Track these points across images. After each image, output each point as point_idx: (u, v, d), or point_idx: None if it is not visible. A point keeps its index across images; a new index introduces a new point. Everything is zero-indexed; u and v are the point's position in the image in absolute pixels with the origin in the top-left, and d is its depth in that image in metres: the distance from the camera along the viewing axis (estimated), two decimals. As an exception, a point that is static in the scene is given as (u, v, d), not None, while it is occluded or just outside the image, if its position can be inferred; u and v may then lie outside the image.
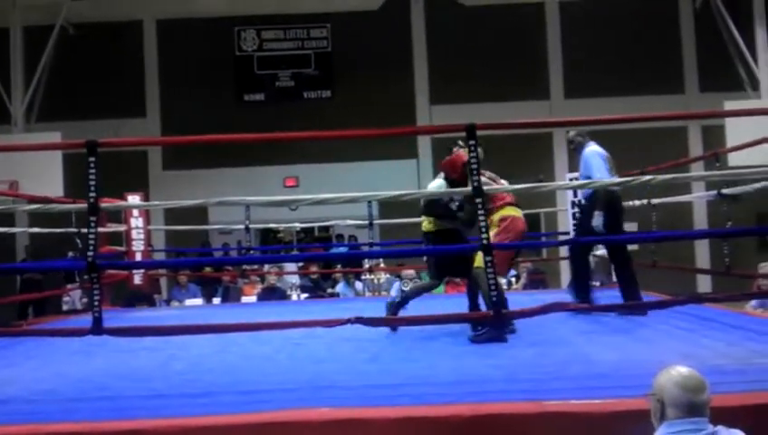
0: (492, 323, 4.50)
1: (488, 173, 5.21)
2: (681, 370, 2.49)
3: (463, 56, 14.53)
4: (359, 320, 3.76)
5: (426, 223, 5.51)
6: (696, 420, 2.39)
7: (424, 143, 14.35)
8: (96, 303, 3.69)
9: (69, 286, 9.60)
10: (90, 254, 3.67)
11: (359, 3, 14.69)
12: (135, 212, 8.06)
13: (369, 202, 8.56)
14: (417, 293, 5.57)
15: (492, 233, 4.56)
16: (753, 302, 6.62)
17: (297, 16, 14.78)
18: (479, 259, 4.61)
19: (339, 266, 10.52)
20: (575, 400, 3.16)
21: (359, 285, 9.72)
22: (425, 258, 8.81)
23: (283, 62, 14.77)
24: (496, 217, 4.99)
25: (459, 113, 12.18)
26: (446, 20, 14.63)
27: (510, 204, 5.13)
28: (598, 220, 5.56)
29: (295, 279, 10.25)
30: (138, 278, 8.33)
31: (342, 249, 11.70)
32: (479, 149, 4.60)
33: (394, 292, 9.10)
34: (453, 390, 3.44)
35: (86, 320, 3.70)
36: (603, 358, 3.80)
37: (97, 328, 3.66)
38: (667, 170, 6.65)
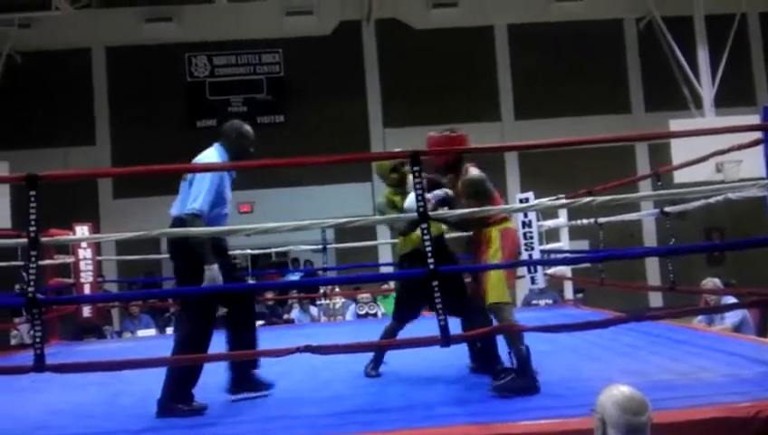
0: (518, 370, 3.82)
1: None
2: (623, 389, 2.52)
3: (415, 79, 14.68)
4: (308, 348, 3.73)
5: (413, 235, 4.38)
6: (636, 440, 2.43)
7: (378, 166, 14.40)
8: (38, 339, 3.60)
9: (16, 320, 9.38)
10: (30, 289, 3.59)
11: (310, 28, 14.76)
12: (83, 243, 7.92)
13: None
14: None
15: (493, 249, 4.09)
16: (700, 316, 6.76)
17: (248, 42, 14.78)
18: (496, 291, 3.98)
19: (294, 292, 10.45)
20: (523, 421, 3.18)
21: (314, 310, 9.67)
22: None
23: (236, 87, 14.75)
24: (495, 231, 4.14)
25: (413, 136, 12.19)
26: (398, 44, 14.78)
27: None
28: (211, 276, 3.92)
29: (250, 306, 10.13)
30: (87, 311, 8.17)
31: (297, 274, 11.64)
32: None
33: (350, 316, 9.08)
34: (401, 415, 3.45)
35: (32, 356, 3.62)
36: (552, 377, 3.84)
37: (39, 365, 3.57)
38: (613, 189, 6.78)
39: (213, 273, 3.89)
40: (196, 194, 3.96)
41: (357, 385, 4.33)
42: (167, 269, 13.51)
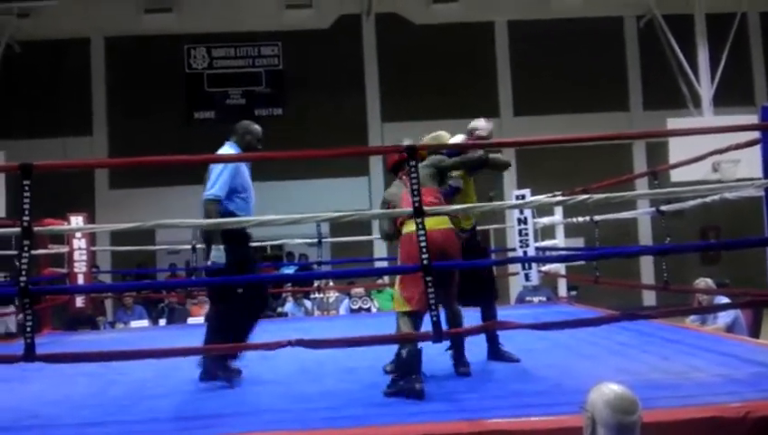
0: (401, 372, 3.79)
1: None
2: (614, 388, 2.51)
3: (414, 74, 14.67)
4: (299, 342, 3.72)
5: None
6: (625, 440, 2.42)
7: (375, 161, 14.39)
8: (28, 328, 3.59)
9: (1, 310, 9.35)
10: (22, 279, 3.58)
11: (309, 21, 14.74)
12: (77, 233, 7.89)
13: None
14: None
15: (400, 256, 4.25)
16: (693, 316, 6.76)
17: (248, 34, 14.76)
18: (395, 301, 4.21)
19: (288, 286, 10.43)
20: (513, 418, 3.18)
21: (308, 303, 9.66)
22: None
23: (234, 79, 14.74)
24: (402, 237, 4.19)
25: (410, 131, 12.19)
26: (397, 38, 14.76)
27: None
28: (217, 255, 4.21)
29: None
30: (80, 301, 8.14)
31: (292, 268, 11.63)
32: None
33: (343, 310, 9.06)
34: (392, 410, 3.44)
35: (21, 345, 3.61)
36: (543, 374, 3.84)
37: (29, 354, 3.56)
38: (609, 187, 6.78)
39: (218, 252, 4.21)
40: (212, 181, 4.30)
41: (347, 380, 4.32)
42: (160, 260, 13.51)
